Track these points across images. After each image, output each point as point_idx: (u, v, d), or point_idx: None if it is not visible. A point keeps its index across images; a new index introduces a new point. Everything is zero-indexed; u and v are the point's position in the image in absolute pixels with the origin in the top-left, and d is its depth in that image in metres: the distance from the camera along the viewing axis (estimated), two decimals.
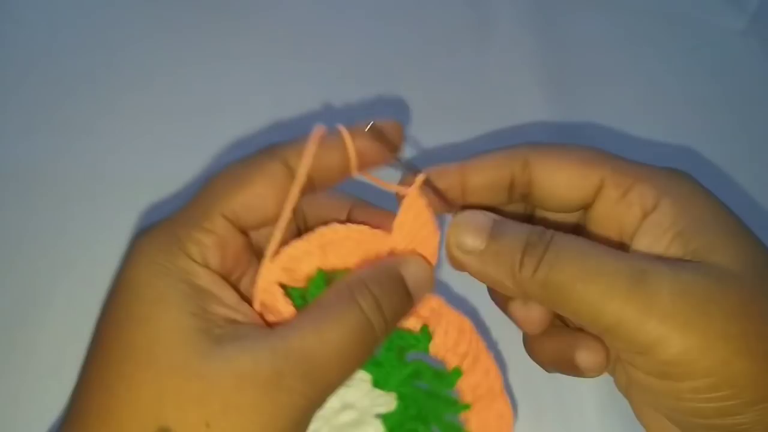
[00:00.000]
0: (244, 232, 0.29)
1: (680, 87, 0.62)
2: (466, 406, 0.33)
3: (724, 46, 0.65)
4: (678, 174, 0.30)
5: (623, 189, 0.29)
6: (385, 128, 0.30)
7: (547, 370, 0.33)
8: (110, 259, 0.35)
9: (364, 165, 0.30)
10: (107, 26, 0.62)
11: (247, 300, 0.29)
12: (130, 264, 0.27)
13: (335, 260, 0.31)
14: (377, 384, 0.32)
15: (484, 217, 0.29)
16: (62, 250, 0.50)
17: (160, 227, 0.28)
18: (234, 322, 0.26)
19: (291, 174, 0.29)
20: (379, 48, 0.63)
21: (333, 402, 0.31)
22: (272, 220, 0.29)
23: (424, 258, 0.31)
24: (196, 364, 0.24)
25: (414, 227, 0.31)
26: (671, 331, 0.24)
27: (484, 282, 0.30)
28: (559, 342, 0.31)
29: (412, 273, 0.29)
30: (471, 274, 0.30)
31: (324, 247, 0.30)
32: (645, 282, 0.24)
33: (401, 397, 0.32)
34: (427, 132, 0.57)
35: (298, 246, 0.30)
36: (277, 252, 0.30)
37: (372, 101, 0.58)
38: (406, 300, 0.28)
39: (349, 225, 0.31)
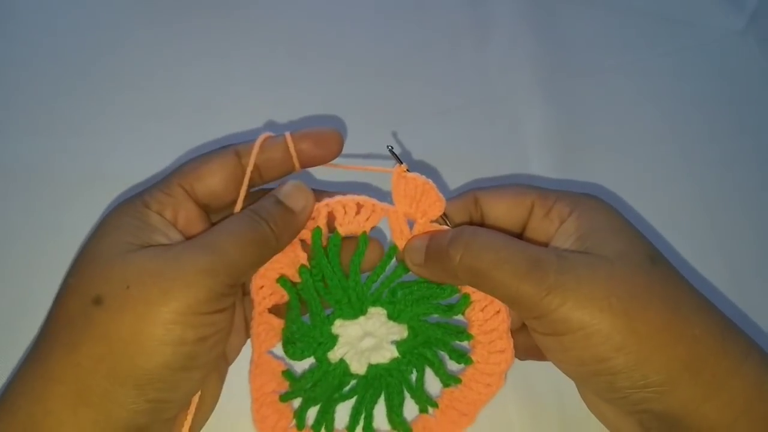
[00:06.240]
0: (200, 204, 0.38)
1: (679, 86, 0.62)
2: (470, 336, 0.39)
3: (723, 45, 0.65)
4: (586, 195, 0.38)
5: (546, 209, 0.38)
6: (325, 134, 0.39)
7: (520, 359, 0.40)
8: None
9: (305, 163, 0.39)
10: (107, 27, 0.62)
11: None
12: (108, 212, 0.36)
13: (344, 222, 0.38)
14: (391, 317, 0.39)
15: (421, 240, 0.38)
16: (62, 250, 0.50)
17: (135, 194, 0.37)
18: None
19: (240, 163, 0.38)
20: (378, 48, 0.63)
21: (356, 331, 0.39)
22: (221, 196, 0.38)
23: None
24: (125, 256, 0.33)
25: (414, 198, 0.38)
26: (554, 298, 0.32)
27: (435, 281, 0.39)
28: (526, 336, 0.38)
29: (282, 189, 0.37)
30: (428, 279, 0.39)
31: (332, 209, 0.38)
32: (538, 267, 0.33)
33: (411, 328, 0.40)
34: (427, 131, 0.58)
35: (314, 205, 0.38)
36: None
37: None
38: (280, 207, 0.36)
39: (361, 196, 0.38)
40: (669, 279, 0.35)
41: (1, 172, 0.54)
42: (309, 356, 0.39)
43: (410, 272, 0.39)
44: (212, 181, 0.37)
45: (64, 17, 0.62)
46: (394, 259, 0.40)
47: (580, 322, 0.32)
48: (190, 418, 0.35)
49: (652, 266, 0.35)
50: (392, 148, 0.40)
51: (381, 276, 0.39)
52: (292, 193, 0.37)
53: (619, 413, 0.36)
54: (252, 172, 0.38)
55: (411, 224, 0.39)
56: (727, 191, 0.57)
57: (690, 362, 0.32)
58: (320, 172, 0.46)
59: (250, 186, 0.38)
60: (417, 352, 0.40)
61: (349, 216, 0.38)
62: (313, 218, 0.38)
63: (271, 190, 0.39)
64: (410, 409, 0.42)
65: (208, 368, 0.35)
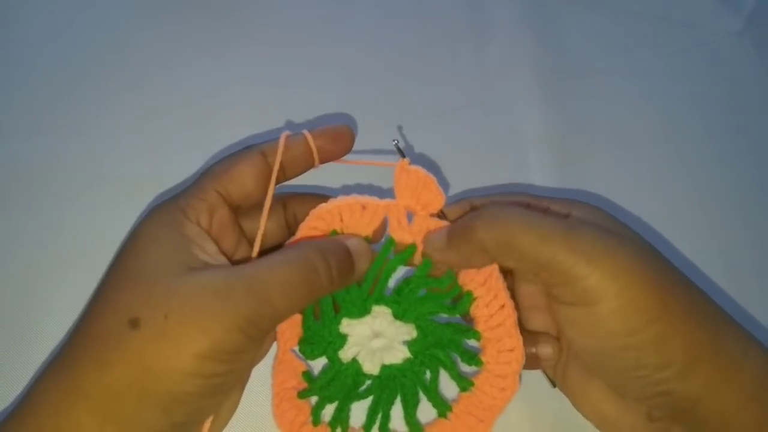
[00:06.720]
0: (232, 207, 0.37)
1: (677, 88, 0.63)
2: (477, 333, 0.39)
3: (719, 47, 0.65)
4: (578, 201, 0.39)
5: (542, 210, 0.38)
6: (339, 130, 0.39)
7: None
8: (110, 258, 0.35)
9: (323, 158, 0.40)
10: (107, 26, 0.62)
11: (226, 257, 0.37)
12: (141, 221, 0.35)
13: (350, 224, 0.39)
14: (397, 316, 0.39)
15: (439, 230, 0.38)
16: (62, 250, 0.51)
17: (169, 199, 0.36)
18: (209, 264, 0.34)
19: (267, 162, 0.38)
20: (379, 49, 0.63)
21: (364, 330, 0.39)
22: (253, 196, 0.38)
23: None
24: (168, 279, 0.32)
25: (415, 191, 0.38)
26: (589, 264, 0.32)
27: (459, 263, 0.38)
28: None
29: (353, 243, 0.37)
30: (451, 263, 0.38)
31: (341, 212, 0.38)
32: (573, 232, 0.33)
33: (419, 328, 0.40)
34: (427, 131, 0.58)
35: (321, 208, 0.38)
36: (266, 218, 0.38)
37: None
38: (348, 260, 0.36)
39: (363, 196, 0.39)
40: (675, 268, 0.35)
41: (3, 172, 0.54)
42: (321, 355, 0.39)
43: (406, 266, 0.40)
44: (245, 181, 0.37)
45: (67, 18, 0.62)
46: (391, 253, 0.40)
47: (616, 290, 0.32)
48: (208, 424, 0.35)
49: (660, 254, 0.36)
50: (397, 142, 0.40)
51: (377, 270, 0.39)
52: (362, 251, 0.37)
53: (626, 406, 0.36)
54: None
55: (410, 219, 0.40)
56: (725, 191, 0.58)
57: (710, 342, 0.32)
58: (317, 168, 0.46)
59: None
60: (429, 352, 0.40)
61: (355, 218, 0.39)
62: (324, 219, 0.38)
63: (289, 186, 0.41)
64: (431, 412, 0.41)
65: (234, 389, 0.36)
